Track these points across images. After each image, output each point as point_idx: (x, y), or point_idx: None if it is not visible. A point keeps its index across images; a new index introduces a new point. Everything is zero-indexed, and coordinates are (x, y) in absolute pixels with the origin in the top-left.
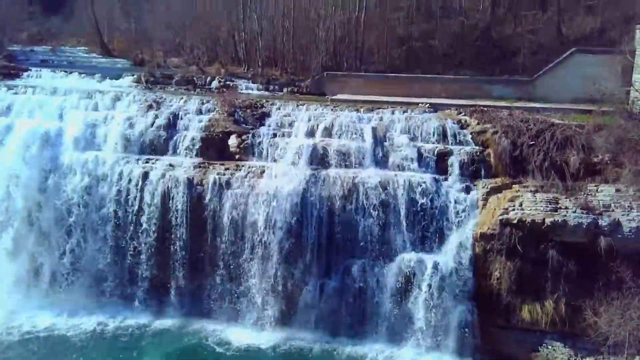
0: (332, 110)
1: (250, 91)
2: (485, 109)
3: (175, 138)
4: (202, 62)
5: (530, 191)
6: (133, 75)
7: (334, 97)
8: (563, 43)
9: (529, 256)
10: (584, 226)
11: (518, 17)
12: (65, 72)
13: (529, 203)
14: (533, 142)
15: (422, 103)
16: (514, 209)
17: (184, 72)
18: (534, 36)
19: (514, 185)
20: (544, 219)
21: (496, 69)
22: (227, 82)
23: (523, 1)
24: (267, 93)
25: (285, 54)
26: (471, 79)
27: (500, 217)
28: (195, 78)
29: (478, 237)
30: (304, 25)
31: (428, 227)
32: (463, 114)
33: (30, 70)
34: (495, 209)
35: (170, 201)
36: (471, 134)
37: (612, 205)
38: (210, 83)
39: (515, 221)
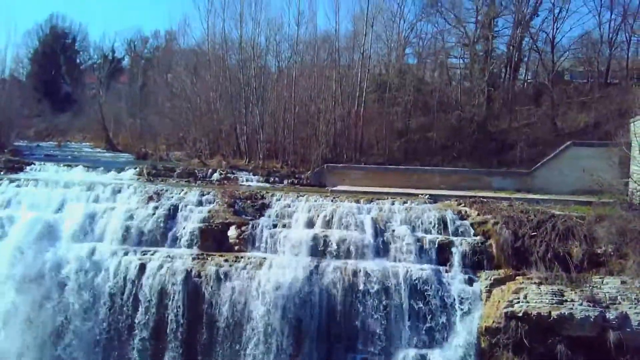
0: (332, 201)
1: (250, 183)
2: (485, 199)
3: (174, 229)
4: (204, 155)
5: (535, 283)
6: (135, 168)
7: (334, 188)
8: (559, 135)
9: (537, 351)
10: (592, 319)
11: (513, 111)
12: (69, 165)
13: (534, 295)
14: (534, 233)
15: (422, 194)
16: (518, 302)
17: (186, 165)
18: (530, 129)
19: (517, 277)
20: (550, 312)
21: (494, 161)
22: (228, 174)
23: (517, 97)
24: (267, 185)
25: (286, 146)
26: (470, 170)
27: (505, 310)
28: (196, 170)
29: (483, 331)
30: (304, 119)
31: (430, 320)
32: (463, 204)
33: (34, 164)
34: (499, 302)
35: (167, 293)
36: (472, 224)
37: (619, 297)
38: (211, 175)
39: (520, 314)
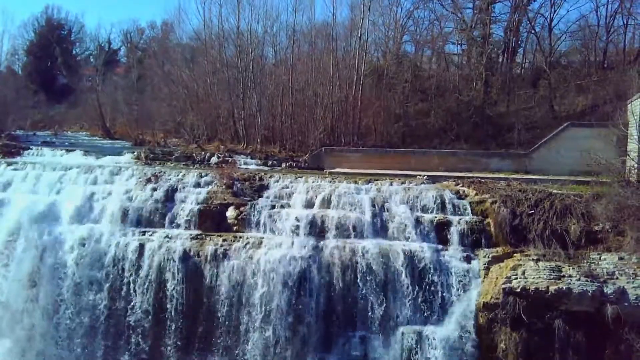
0: (330, 182)
1: (249, 166)
2: (483, 180)
3: (172, 210)
4: (202, 141)
5: (533, 259)
6: (133, 152)
7: (332, 170)
8: (556, 118)
9: (535, 327)
10: (589, 294)
11: (511, 95)
12: (67, 150)
13: (532, 271)
14: (532, 211)
15: (420, 175)
16: (516, 278)
17: (184, 149)
18: (528, 113)
19: (515, 254)
20: (547, 287)
21: (492, 144)
22: (227, 158)
23: (515, 81)
24: (265, 168)
25: (284, 131)
26: (468, 152)
27: (504, 286)
28: (194, 154)
29: (481, 307)
30: (302, 103)
31: (429, 298)
32: (461, 185)
33: (31, 148)
34: (497, 278)
35: (166, 272)
36: (470, 203)
37: (616, 272)
38: (209, 159)
39: (518, 290)
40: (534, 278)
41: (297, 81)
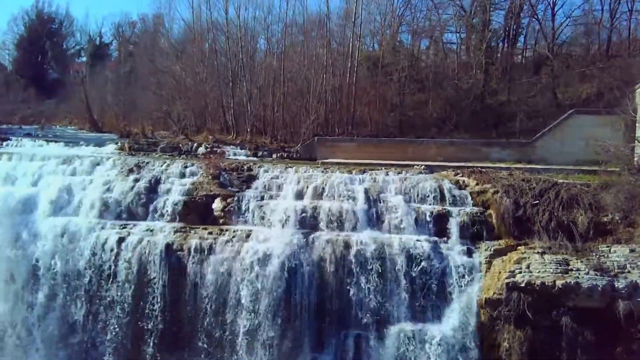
0: (322, 172)
1: (238, 157)
2: (484, 169)
3: (155, 202)
4: (190, 131)
5: (538, 252)
6: (117, 143)
7: (325, 161)
8: (560, 106)
9: (541, 324)
10: (600, 288)
11: (512, 83)
12: (47, 141)
13: (537, 265)
14: (537, 202)
15: (418, 164)
16: (521, 272)
17: (170, 140)
18: (530, 101)
19: (519, 247)
20: (554, 281)
21: (492, 133)
22: (215, 149)
23: (516, 69)
24: (255, 159)
25: (275, 121)
26: (468, 141)
27: (507, 281)
28: (181, 145)
29: (483, 303)
30: (294, 92)
31: (427, 294)
32: (461, 174)
33: (11, 139)
34: (500, 272)
35: (148, 268)
36: (470, 194)
37: (628, 266)
38: (196, 149)
39: (523, 284)
40: (539, 272)
41: (289, 70)
